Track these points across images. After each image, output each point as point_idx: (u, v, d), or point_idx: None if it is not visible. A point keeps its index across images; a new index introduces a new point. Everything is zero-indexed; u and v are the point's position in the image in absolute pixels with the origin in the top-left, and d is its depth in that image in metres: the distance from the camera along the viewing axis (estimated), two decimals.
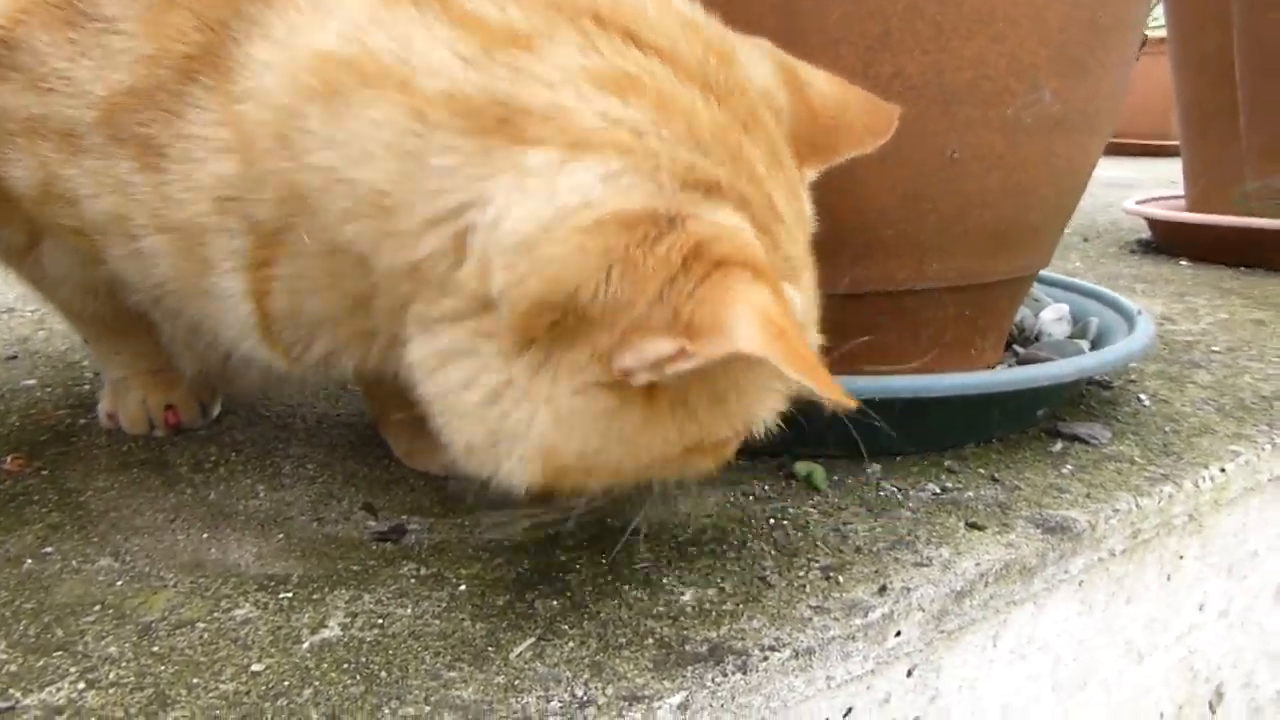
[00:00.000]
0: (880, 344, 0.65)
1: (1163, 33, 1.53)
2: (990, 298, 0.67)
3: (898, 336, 0.65)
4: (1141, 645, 0.62)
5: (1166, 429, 0.69)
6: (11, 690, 0.39)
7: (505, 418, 0.39)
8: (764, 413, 0.43)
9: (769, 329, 0.35)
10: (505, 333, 0.39)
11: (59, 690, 0.39)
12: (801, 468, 0.60)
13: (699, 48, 0.41)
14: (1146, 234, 1.59)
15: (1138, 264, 1.37)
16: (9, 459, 0.62)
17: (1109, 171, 2.77)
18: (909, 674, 0.48)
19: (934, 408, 0.62)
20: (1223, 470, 0.63)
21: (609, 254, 0.36)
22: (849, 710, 0.46)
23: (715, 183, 0.39)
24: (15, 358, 0.87)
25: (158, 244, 0.45)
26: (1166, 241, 1.47)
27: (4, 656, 0.41)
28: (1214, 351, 0.89)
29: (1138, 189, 2.53)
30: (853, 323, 0.63)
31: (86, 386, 0.78)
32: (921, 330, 0.65)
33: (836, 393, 0.36)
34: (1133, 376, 0.81)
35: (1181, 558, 0.63)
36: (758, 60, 0.45)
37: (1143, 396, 0.76)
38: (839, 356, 0.64)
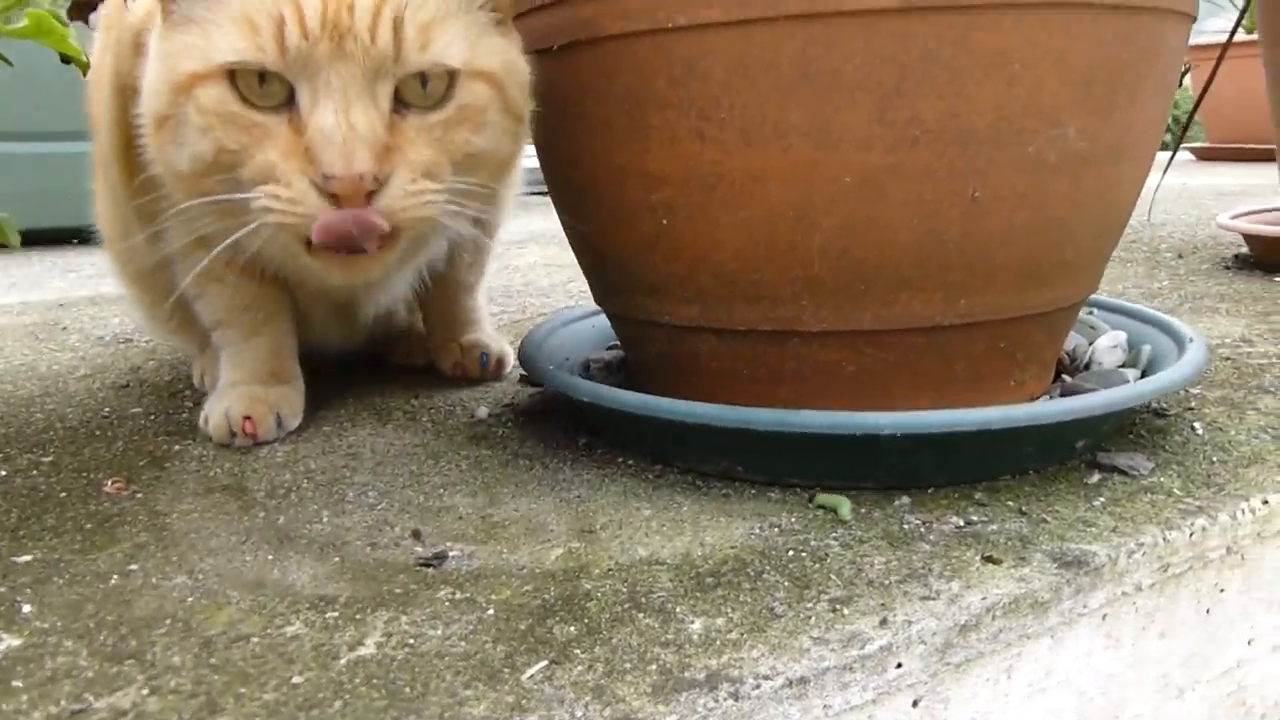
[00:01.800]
0: (915, 378, 0.66)
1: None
2: (1025, 331, 0.67)
3: (931, 370, 0.66)
4: (1180, 680, 0.62)
5: (1214, 459, 0.68)
6: (86, 695, 0.44)
7: None
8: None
9: None
10: None
11: (126, 695, 0.44)
12: (827, 499, 0.62)
13: None
14: (1246, 248, 1.53)
15: (1229, 281, 1.33)
16: (110, 482, 0.69)
17: (1217, 180, 2.66)
18: (914, 704, 0.50)
19: (963, 441, 0.63)
20: (1266, 502, 0.62)
21: None
22: None
23: None
24: (127, 386, 0.96)
25: None
26: (1265, 256, 1.42)
27: (84, 664, 0.47)
28: None
29: (1252, 197, 2.43)
30: (884, 357, 0.65)
31: (185, 415, 0.86)
32: (955, 364, 0.66)
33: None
34: (1191, 403, 0.80)
35: (1223, 591, 0.62)
36: None
37: (1197, 425, 0.75)
38: (875, 391, 0.66)
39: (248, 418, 0.76)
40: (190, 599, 0.53)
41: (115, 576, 0.56)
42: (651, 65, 0.62)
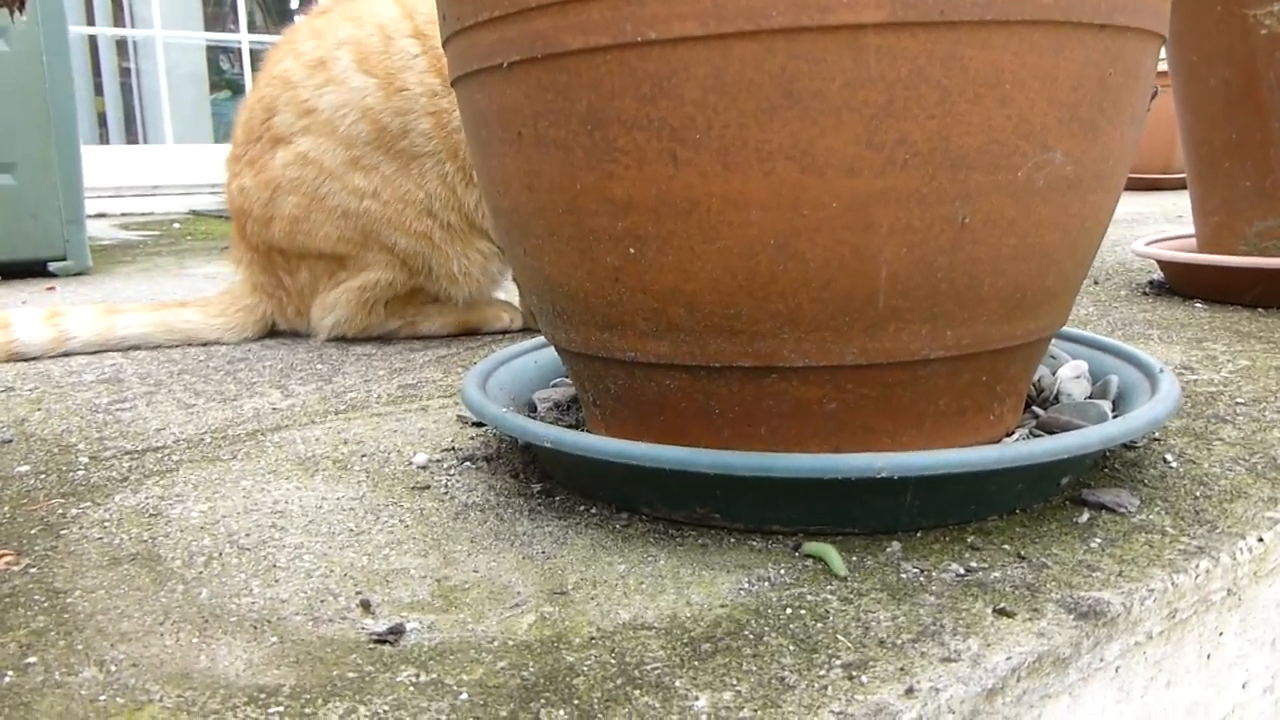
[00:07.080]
0: (897, 414, 0.62)
1: (1163, 65, 1.52)
2: (1007, 363, 0.64)
3: (914, 406, 0.62)
4: None
5: (1197, 493, 0.66)
6: None
7: None
8: None
9: None
10: None
11: None
12: (813, 548, 0.58)
13: None
14: (1158, 274, 1.57)
15: (1151, 307, 1.35)
16: None
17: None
18: None
19: (956, 482, 0.60)
20: (1261, 540, 0.60)
21: None
22: None
23: None
24: (10, 441, 0.85)
25: None
26: (1179, 283, 1.45)
27: None
28: (1239, 404, 0.87)
29: (1146, 224, 2.52)
30: (867, 393, 0.61)
31: (81, 471, 0.76)
32: (939, 398, 0.63)
33: None
34: (1157, 435, 0.78)
35: (1221, 634, 0.60)
36: None
37: (1169, 457, 0.73)
38: (855, 428, 0.62)
39: None
40: (103, 697, 0.45)
41: (10, 673, 0.47)
42: (618, 82, 0.57)
